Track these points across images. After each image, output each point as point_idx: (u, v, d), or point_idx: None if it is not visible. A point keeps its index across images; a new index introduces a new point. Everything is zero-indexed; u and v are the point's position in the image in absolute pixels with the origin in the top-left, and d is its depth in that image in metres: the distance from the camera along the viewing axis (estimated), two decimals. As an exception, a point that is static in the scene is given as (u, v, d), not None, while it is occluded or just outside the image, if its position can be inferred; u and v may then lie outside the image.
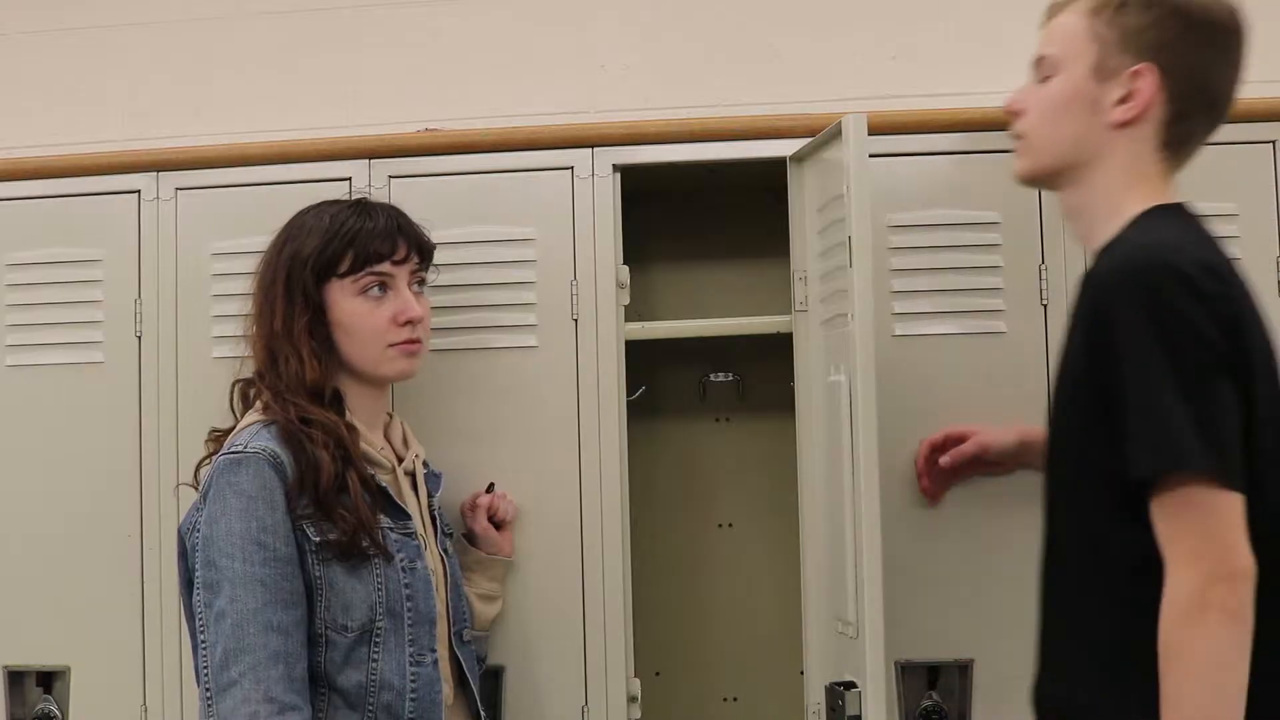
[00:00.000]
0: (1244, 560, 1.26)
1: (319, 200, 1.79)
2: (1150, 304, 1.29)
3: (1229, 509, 1.27)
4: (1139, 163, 1.44)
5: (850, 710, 1.62)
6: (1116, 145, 1.45)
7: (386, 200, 1.88)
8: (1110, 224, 1.43)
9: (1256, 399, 1.31)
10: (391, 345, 1.73)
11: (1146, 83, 1.42)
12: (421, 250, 1.78)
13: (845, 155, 1.67)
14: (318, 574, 1.60)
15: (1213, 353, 1.28)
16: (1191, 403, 1.27)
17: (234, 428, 1.70)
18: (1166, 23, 1.42)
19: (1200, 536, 1.27)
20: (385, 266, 1.72)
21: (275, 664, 1.53)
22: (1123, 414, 1.30)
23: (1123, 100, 1.43)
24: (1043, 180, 1.55)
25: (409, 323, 1.73)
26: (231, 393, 1.76)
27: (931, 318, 1.89)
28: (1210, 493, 1.27)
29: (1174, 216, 1.43)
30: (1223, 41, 1.44)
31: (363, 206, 1.76)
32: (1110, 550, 1.35)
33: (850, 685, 1.65)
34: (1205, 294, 1.29)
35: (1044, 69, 1.51)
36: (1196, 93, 1.43)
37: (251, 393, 1.73)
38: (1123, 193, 1.44)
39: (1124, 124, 1.43)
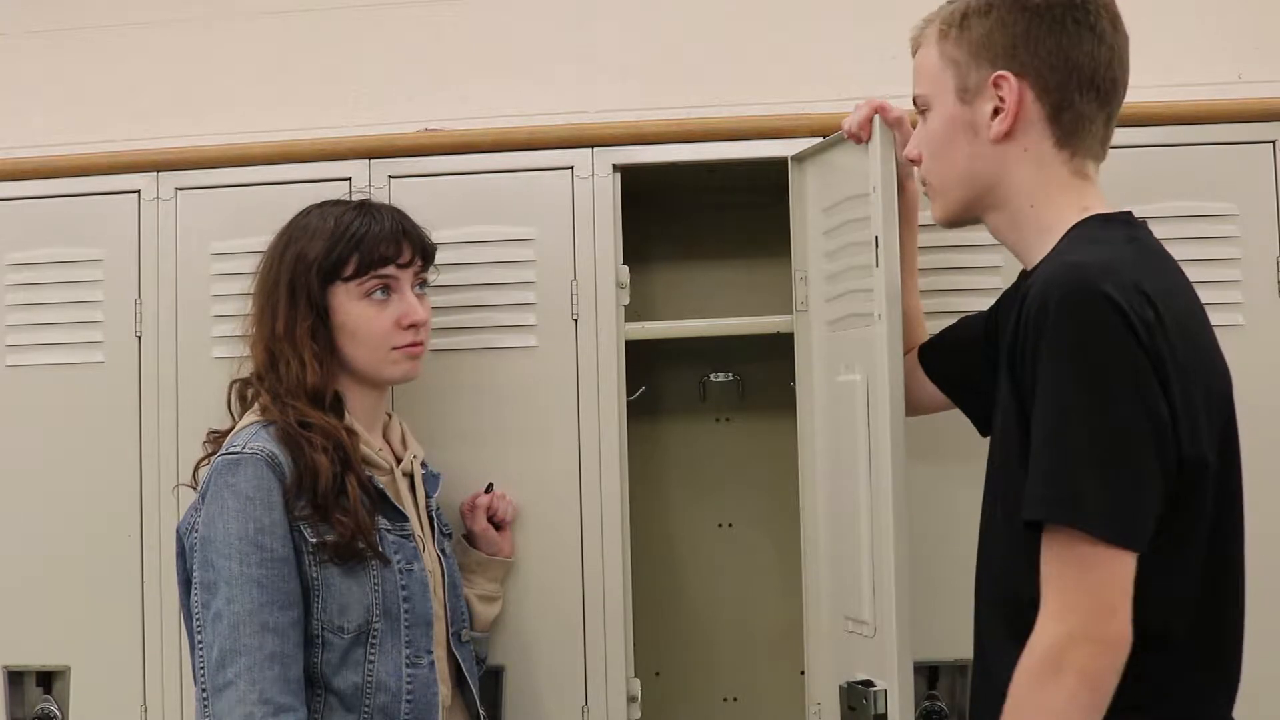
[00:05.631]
0: (1119, 627, 1.19)
1: (319, 200, 1.79)
2: (1077, 335, 1.21)
3: (1119, 570, 1.19)
4: (1043, 168, 1.39)
5: (876, 709, 1.61)
6: (1010, 160, 1.40)
7: (386, 200, 1.88)
8: (1041, 240, 1.37)
9: (1180, 435, 1.23)
10: (395, 348, 1.73)
11: (1008, 88, 1.37)
12: (425, 253, 1.78)
13: (872, 153, 1.66)
14: (314, 575, 1.60)
15: (1137, 393, 1.20)
16: (1103, 451, 1.19)
17: (232, 429, 1.70)
18: (1008, 20, 1.37)
19: (1079, 592, 1.20)
20: (390, 270, 1.72)
21: (271, 665, 1.53)
22: (1031, 446, 1.23)
23: (995, 114, 1.38)
24: (963, 218, 1.49)
25: (413, 326, 1.73)
26: (229, 393, 1.76)
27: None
28: (1102, 551, 1.19)
29: (1111, 229, 1.35)
30: (1075, 15, 1.36)
31: (366, 208, 1.76)
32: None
33: (868, 684, 1.64)
34: (1136, 325, 1.20)
35: (919, 106, 1.48)
36: (1067, 77, 1.36)
37: (249, 394, 1.73)
38: (1042, 205, 1.39)
39: (1005, 136, 1.38)
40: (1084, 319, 1.21)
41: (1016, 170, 1.40)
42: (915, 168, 1.57)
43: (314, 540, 1.59)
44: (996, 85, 1.38)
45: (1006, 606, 1.33)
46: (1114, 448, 1.20)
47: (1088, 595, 1.20)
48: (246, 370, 1.75)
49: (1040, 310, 1.24)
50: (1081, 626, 1.20)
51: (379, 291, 1.72)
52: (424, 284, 1.80)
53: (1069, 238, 1.35)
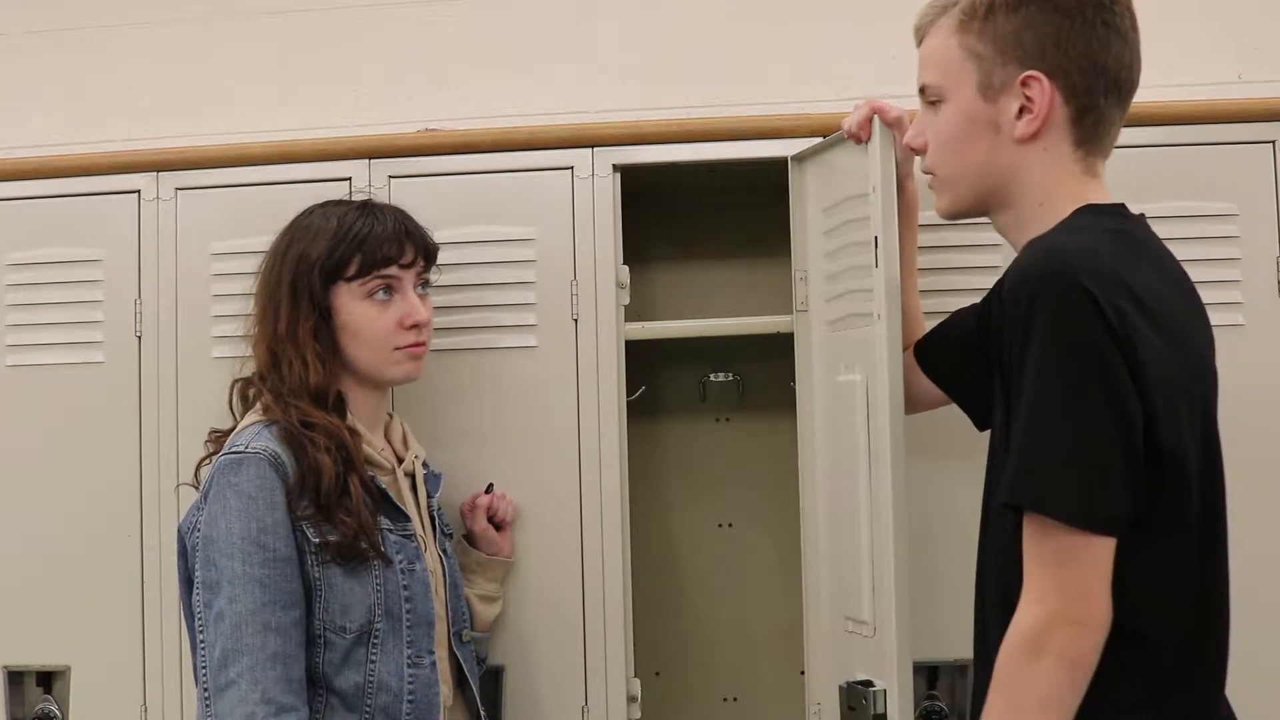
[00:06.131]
0: (1097, 608, 1.21)
1: (320, 200, 1.79)
2: (1049, 319, 1.21)
3: (1094, 554, 1.21)
4: (1058, 168, 1.37)
5: (876, 709, 1.61)
6: (1029, 159, 1.37)
7: (387, 200, 1.88)
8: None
9: (1159, 425, 1.23)
10: (398, 349, 1.73)
11: (1039, 90, 1.34)
12: (427, 253, 1.78)
13: (871, 153, 1.66)
14: (316, 575, 1.60)
15: (1109, 377, 1.20)
16: (1073, 437, 1.20)
17: (234, 428, 1.70)
18: (1039, 19, 1.34)
19: (1056, 576, 1.21)
20: (393, 270, 1.72)
21: (273, 665, 1.53)
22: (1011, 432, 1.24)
23: (1020, 113, 1.36)
24: (969, 213, 1.48)
25: (415, 326, 1.73)
26: (230, 393, 1.76)
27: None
28: (1077, 537, 1.20)
29: (1100, 218, 1.34)
30: (1104, 16, 1.34)
31: (368, 208, 1.76)
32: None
33: (868, 684, 1.64)
34: (1107, 310, 1.19)
35: (930, 96, 1.44)
36: (1095, 80, 1.34)
37: (251, 393, 1.73)
38: (1050, 204, 1.37)
39: (1030, 137, 1.36)
40: (1056, 304, 1.21)
41: (1033, 169, 1.38)
42: (916, 163, 1.55)
43: (316, 540, 1.59)
44: (1025, 85, 1.35)
45: (1006, 600, 1.34)
46: (1083, 433, 1.20)
47: (1065, 579, 1.22)
48: (248, 370, 1.75)
49: (1013, 295, 1.24)
50: (1061, 609, 1.21)
51: (381, 292, 1.72)
52: (426, 284, 1.80)
53: (1061, 225, 1.34)
